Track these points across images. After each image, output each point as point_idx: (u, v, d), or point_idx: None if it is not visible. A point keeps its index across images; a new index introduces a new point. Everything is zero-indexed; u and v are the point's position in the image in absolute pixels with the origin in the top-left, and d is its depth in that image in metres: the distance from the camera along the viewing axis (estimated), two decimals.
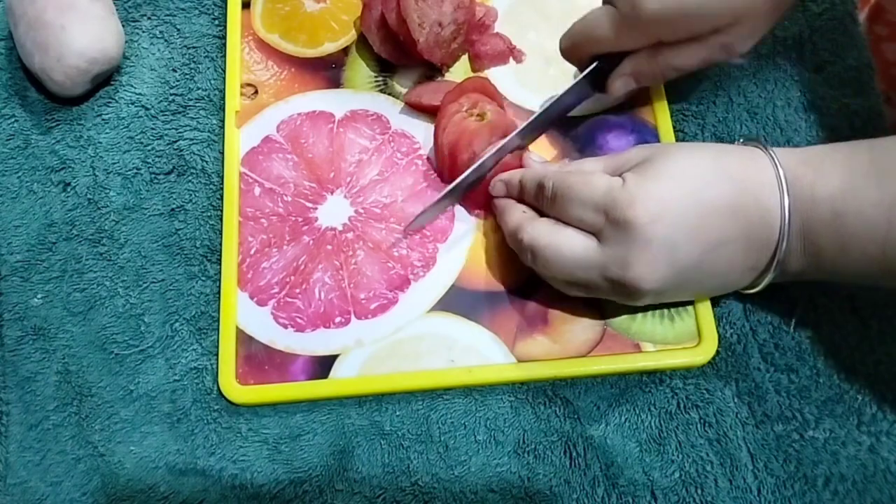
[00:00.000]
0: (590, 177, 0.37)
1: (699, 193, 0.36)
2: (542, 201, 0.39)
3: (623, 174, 0.37)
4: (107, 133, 0.47)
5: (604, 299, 0.40)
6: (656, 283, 0.36)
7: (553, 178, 0.39)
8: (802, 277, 0.38)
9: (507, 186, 0.42)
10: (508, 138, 0.42)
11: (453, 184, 0.42)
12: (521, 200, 0.41)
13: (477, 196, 0.44)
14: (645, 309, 0.42)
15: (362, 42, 0.48)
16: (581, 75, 0.43)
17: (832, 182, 0.35)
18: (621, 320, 0.42)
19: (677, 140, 0.46)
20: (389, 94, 0.47)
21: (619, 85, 0.43)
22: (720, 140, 0.46)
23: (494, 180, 0.42)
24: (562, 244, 0.37)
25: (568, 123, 0.46)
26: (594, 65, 0.42)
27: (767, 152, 0.37)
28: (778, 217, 0.36)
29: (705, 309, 0.42)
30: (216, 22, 0.50)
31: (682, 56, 0.41)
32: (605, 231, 0.36)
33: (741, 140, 0.40)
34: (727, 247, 0.36)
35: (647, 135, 0.46)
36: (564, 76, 0.47)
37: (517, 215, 0.40)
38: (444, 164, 0.44)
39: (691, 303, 0.42)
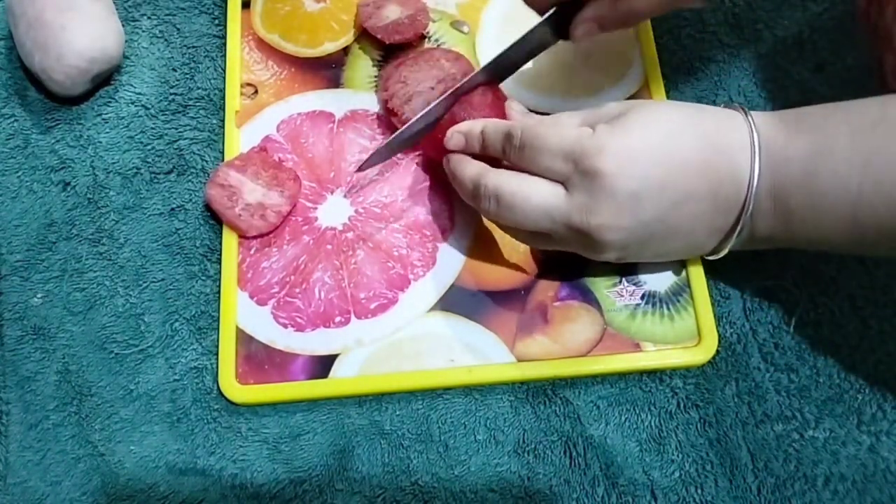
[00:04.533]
0: (560, 125, 0.37)
1: (669, 147, 0.36)
2: (510, 150, 0.38)
3: (595, 125, 0.37)
4: (107, 133, 0.47)
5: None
6: (620, 233, 0.36)
7: (523, 126, 0.38)
8: (772, 243, 0.38)
9: (465, 138, 0.41)
10: (461, 82, 0.42)
11: (400, 130, 0.42)
12: (478, 156, 0.40)
13: (432, 143, 0.43)
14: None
15: (362, 41, 0.49)
16: (540, 20, 0.42)
17: (805, 142, 0.35)
18: (621, 320, 0.42)
19: None
20: None
21: (582, 31, 0.42)
22: None
23: (451, 131, 0.41)
24: (530, 190, 0.37)
25: None
26: (553, 10, 0.42)
27: (744, 113, 0.37)
28: (748, 176, 0.36)
29: (705, 309, 0.42)
30: (216, 22, 0.50)
31: (644, 1, 0.40)
32: (573, 179, 0.36)
33: (723, 105, 0.39)
34: (694, 203, 0.36)
35: None
36: (565, 76, 0.47)
37: (476, 166, 0.40)
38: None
39: (690, 298, 0.42)
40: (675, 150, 0.36)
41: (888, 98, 0.34)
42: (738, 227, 0.37)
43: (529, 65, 0.48)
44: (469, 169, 0.40)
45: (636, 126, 0.36)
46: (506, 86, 0.47)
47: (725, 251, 0.38)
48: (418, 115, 0.42)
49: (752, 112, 0.37)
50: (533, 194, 0.37)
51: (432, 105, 0.42)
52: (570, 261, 0.43)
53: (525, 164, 0.38)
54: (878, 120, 0.34)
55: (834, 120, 0.35)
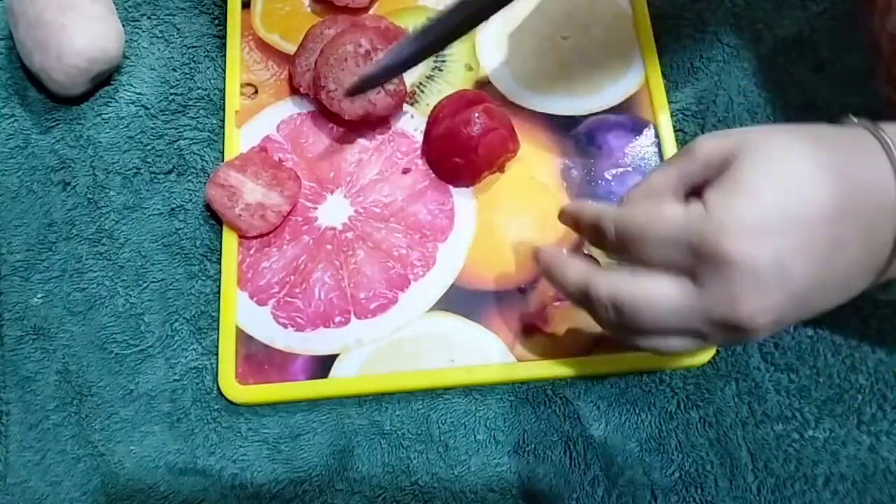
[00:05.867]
0: (658, 209, 0.31)
1: (799, 201, 0.29)
2: (607, 245, 0.34)
3: (703, 194, 0.31)
4: (107, 133, 0.47)
5: None
6: (773, 312, 0.30)
7: (612, 217, 0.33)
8: None
9: (573, 218, 0.37)
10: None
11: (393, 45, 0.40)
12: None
13: (465, 169, 0.44)
14: None
15: None
16: None
17: None
18: None
19: (678, 140, 0.45)
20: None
21: None
22: None
23: (563, 208, 0.38)
24: (651, 293, 0.31)
25: (567, 124, 0.46)
26: None
27: (875, 133, 0.31)
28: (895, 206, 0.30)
29: None
30: (216, 22, 0.50)
31: None
32: (699, 270, 0.30)
33: (845, 118, 0.34)
34: (845, 252, 0.30)
35: (648, 134, 0.46)
36: (565, 75, 0.47)
37: (579, 268, 0.34)
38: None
39: None
40: (807, 204, 0.29)
41: None
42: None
43: (529, 64, 0.48)
44: (571, 273, 0.35)
45: (753, 187, 0.30)
46: (506, 87, 0.47)
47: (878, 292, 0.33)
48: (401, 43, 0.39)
49: (883, 126, 0.31)
50: (657, 297, 0.31)
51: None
52: None
53: (631, 260, 0.32)
54: None
55: None
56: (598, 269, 0.34)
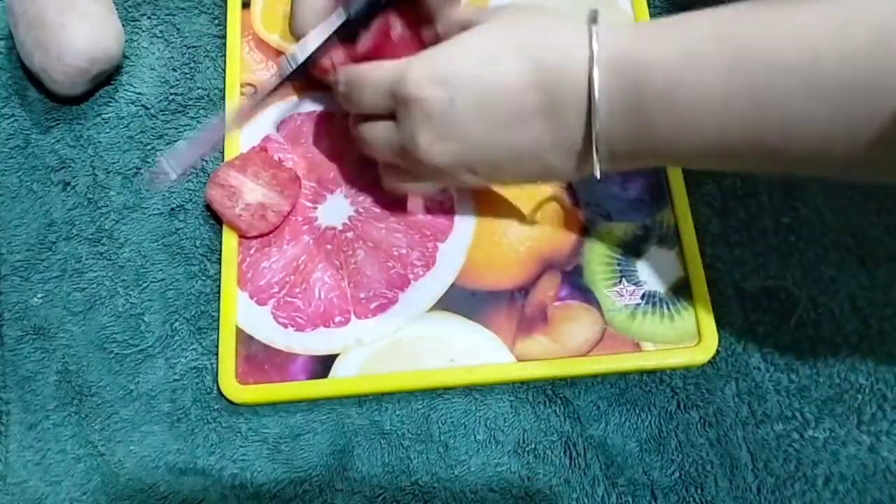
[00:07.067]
0: (377, 64, 0.37)
1: (483, 70, 0.34)
2: (340, 98, 0.39)
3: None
4: (107, 133, 0.47)
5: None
6: (449, 154, 0.36)
7: (346, 70, 0.38)
8: (638, 161, 0.35)
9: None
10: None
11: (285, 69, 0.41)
12: None
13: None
14: (645, 307, 0.42)
15: None
16: None
17: (669, 48, 0.32)
18: (621, 320, 0.42)
19: None
20: None
21: None
22: None
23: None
24: (369, 133, 0.38)
25: None
26: None
27: (589, 27, 0.33)
28: (588, 93, 0.33)
29: (705, 308, 0.42)
30: (216, 21, 0.50)
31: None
32: (398, 110, 0.36)
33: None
34: (525, 124, 0.35)
35: None
36: None
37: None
38: None
39: (690, 298, 0.42)
40: (490, 73, 0.34)
41: None
42: (593, 146, 0.34)
43: None
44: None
45: (448, 49, 0.35)
46: None
47: (593, 172, 0.35)
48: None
49: (607, 25, 0.34)
50: (372, 135, 0.38)
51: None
52: (569, 260, 0.43)
53: (356, 107, 0.39)
54: (747, 19, 0.31)
55: (700, 25, 0.32)
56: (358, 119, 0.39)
